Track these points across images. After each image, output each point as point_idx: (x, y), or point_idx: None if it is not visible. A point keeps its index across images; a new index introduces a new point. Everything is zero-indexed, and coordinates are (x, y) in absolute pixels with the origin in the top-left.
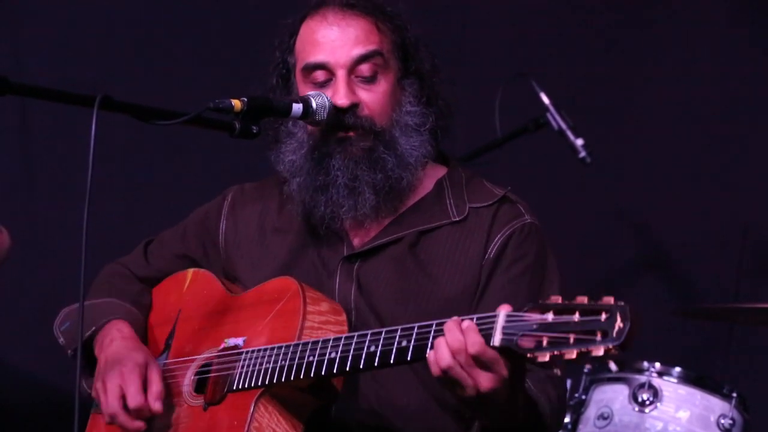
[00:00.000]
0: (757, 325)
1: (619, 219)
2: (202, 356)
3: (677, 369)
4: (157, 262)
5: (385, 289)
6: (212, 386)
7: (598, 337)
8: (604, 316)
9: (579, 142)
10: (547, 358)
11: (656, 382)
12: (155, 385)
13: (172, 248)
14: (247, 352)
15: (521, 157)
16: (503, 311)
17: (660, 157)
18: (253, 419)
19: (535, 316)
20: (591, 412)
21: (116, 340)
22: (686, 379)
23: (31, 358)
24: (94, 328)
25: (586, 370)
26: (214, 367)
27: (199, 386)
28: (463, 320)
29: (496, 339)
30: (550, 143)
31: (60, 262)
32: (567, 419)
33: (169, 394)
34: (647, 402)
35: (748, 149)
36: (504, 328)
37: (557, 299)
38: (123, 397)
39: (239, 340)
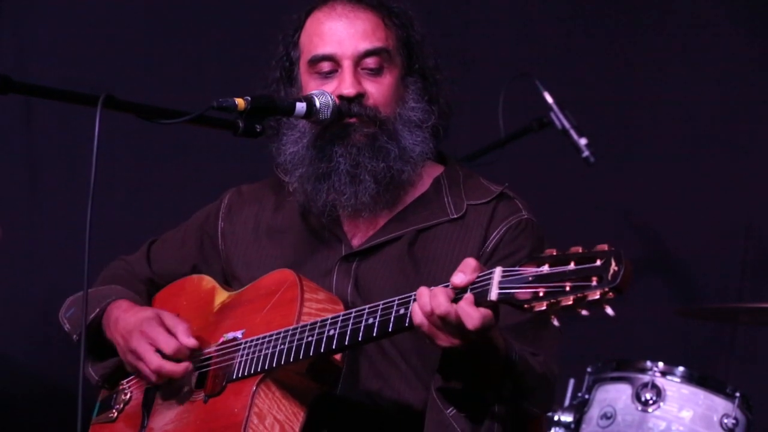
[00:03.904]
0: (760, 324)
1: (623, 218)
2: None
3: (680, 368)
4: (158, 267)
5: (382, 288)
6: (212, 379)
7: (594, 282)
8: (599, 262)
9: (582, 141)
10: (544, 307)
11: (659, 381)
12: (178, 326)
13: (172, 252)
14: (245, 342)
15: (525, 157)
16: (499, 268)
17: (663, 156)
18: (254, 404)
19: (531, 269)
20: (594, 412)
21: (120, 316)
22: (689, 379)
23: (33, 357)
24: (98, 309)
25: (589, 370)
26: (213, 361)
27: (200, 381)
28: (432, 288)
29: (493, 294)
30: (554, 143)
31: (63, 260)
32: (570, 418)
33: (170, 393)
34: (650, 401)
35: (751, 149)
36: (500, 283)
37: (552, 251)
38: (158, 351)
39: (238, 333)
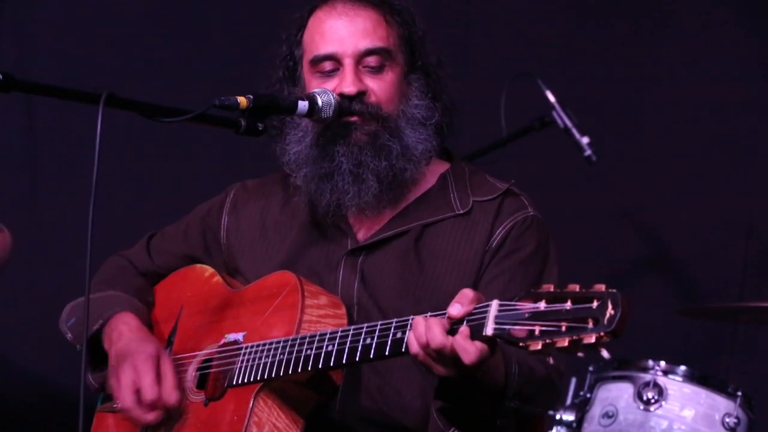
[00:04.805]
0: (761, 324)
1: (624, 218)
2: (203, 352)
3: (682, 368)
4: (159, 258)
5: (388, 283)
6: (213, 382)
7: (590, 325)
8: (595, 304)
9: (584, 140)
10: (539, 347)
11: (661, 380)
12: (169, 377)
13: (174, 245)
14: (246, 347)
15: (527, 156)
16: (496, 301)
17: (665, 155)
18: (253, 414)
19: (528, 305)
20: (596, 411)
21: (125, 334)
22: (691, 378)
23: (34, 357)
24: (101, 321)
25: (591, 369)
26: (214, 363)
27: (201, 382)
28: (428, 317)
29: (489, 329)
30: (556, 142)
31: (64, 259)
32: (572, 417)
33: None
34: (652, 400)
35: (753, 149)
36: (496, 318)
37: (549, 287)
38: (137, 391)
39: (239, 336)
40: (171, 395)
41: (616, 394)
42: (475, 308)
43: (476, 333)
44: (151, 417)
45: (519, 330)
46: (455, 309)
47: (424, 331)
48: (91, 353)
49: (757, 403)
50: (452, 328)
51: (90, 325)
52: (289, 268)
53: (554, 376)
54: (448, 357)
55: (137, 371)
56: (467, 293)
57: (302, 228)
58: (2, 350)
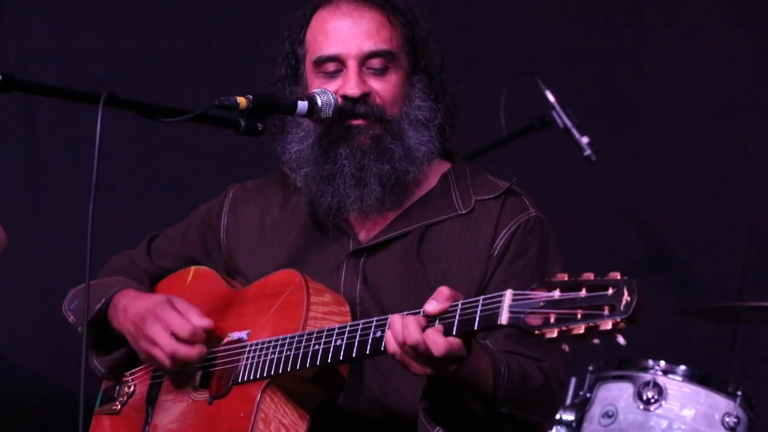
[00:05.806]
0: (761, 323)
1: (624, 217)
2: (206, 351)
3: (682, 367)
4: (159, 259)
5: (391, 284)
6: (217, 380)
7: (606, 312)
8: (611, 291)
9: (584, 140)
10: (555, 334)
11: (661, 380)
12: (189, 309)
13: (174, 246)
14: (251, 345)
15: (526, 155)
16: (510, 291)
17: (665, 155)
18: (260, 410)
19: (542, 294)
20: (596, 410)
21: (130, 304)
22: (691, 378)
23: (34, 357)
24: (103, 300)
25: (590, 368)
26: (218, 361)
27: (204, 381)
28: (405, 315)
29: (503, 317)
30: (556, 141)
31: (64, 259)
32: (572, 417)
33: (174, 390)
34: (652, 400)
35: (753, 148)
36: (510, 306)
37: (563, 276)
38: (173, 333)
39: (243, 334)
40: (201, 321)
41: (616, 394)
42: (490, 297)
43: (491, 322)
44: (196, 351)
45: (534, 318)
46: (431, 306)
47: (401, 328)
48: (96, 335)
49: (757, 403)
50: (428, 326)
51: (92, 306)
52: (290, 268)
53: (553, 384)
54: (423, 353)
55: (161, 318)
56: (443, 290)
57: (303, 228)
58: (2, 350)
